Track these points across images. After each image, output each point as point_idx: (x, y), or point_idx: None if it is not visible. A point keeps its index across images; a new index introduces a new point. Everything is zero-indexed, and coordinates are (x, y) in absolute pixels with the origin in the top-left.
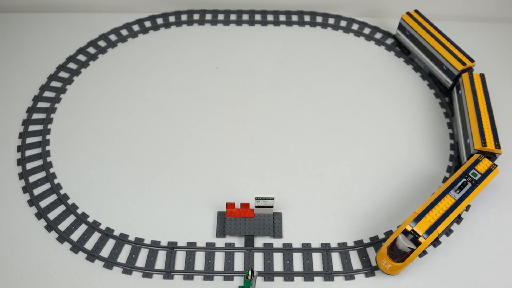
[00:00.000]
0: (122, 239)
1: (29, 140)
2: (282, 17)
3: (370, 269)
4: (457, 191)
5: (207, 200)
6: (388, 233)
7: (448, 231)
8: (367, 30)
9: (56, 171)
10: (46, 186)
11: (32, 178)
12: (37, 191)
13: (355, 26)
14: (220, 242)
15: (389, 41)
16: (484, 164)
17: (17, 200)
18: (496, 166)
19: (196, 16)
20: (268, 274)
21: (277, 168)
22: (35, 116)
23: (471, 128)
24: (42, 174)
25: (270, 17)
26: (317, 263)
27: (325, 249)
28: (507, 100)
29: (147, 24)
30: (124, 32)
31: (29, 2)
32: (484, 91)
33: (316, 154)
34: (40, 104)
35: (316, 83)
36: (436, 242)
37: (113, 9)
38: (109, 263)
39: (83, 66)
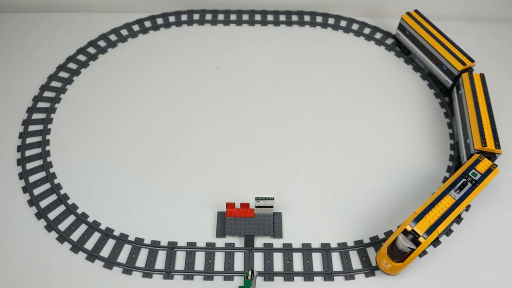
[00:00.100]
0: (122, 239)
1: (29, 140)
2: (282, 17)
3: (370, 269)
4: (457, 191)
5: (207, 200)
6: (388, 233)
7: (448, 231)
8: (367, 30)
9: (56, 171)
10: (46, 186)
11: (32, 178)
12: (37, 191)
13: (355, 26)
14: (220, 242)
15: (389, 41)
16: (484, 164)
17: (17, 200)
18: (496, 166)
19: (196, 16)
20: (268, 274)
21: (277, 168)
22: (35, 116)
23: (471, 128)
24: (42, 174)
25: (270, 17)
26: (317, 263)
27: (325, 249)
28: (507, 100)
29: (147, 24)
30: (124, 32)
31: (29, 2)
32: (484, 91)
33: (316, 154)
34: (40, 104)
35: (316, 83)
36: (436, 242)
37: (113, 9)
38: (109, 263)
39: (83, 66)
